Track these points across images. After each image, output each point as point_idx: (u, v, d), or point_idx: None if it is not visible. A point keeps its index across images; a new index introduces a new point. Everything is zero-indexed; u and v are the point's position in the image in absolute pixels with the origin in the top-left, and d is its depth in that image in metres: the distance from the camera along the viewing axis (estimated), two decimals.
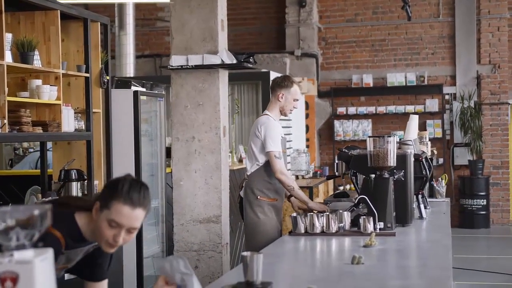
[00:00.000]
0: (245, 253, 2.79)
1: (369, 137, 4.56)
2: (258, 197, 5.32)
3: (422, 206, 5.15)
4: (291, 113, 5.57)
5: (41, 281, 1.79)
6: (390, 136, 4.52)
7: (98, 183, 6.01)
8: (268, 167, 5.28)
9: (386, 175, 4.50)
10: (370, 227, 4.26)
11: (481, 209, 12.51)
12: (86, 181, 5.76)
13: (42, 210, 1.82)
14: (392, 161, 4.49)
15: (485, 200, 12.51)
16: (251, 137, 5.39)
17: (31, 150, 9.21)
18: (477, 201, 12.50)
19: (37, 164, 7.63)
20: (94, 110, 5.91)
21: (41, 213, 1.81)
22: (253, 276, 2.77)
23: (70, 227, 2.72)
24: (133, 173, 6.47)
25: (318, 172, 11.35)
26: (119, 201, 2.61)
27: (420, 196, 5.20)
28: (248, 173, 5.42)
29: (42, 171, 5.84)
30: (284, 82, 5.42)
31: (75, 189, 5.59)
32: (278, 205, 5.43)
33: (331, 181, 11.63)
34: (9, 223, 1.79)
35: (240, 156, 8.45)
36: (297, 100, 5.46)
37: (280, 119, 5.44)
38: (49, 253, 1.83)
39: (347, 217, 4.43)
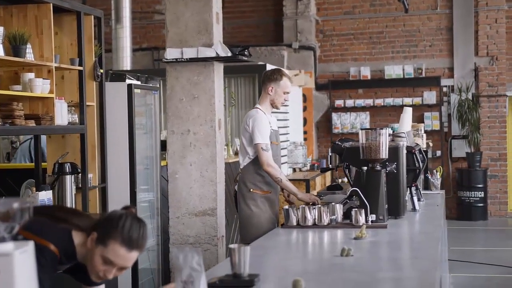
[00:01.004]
0: (232, 246, 2.80)
1: (361, 129, 4.56)
2: (251, 190, 5.35)
3: (415, 198, 5.15)
4: (283, 105, 5.59)
5: (21, 274, 1.79)
6: (382, 129, 4.52)
7: (92, 176, 6.02)
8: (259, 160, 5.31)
9: (378, 168, 4.51)
10: (361, 220, 4.27)
11: (479, 201, 12.52)
12: (80, 174, 5.76)
13: (21, 204, 1.82)
14: (384, 154, 4.49)
15: (482, 192, 12.52)
16: (242, 131, 5.44)
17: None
18: (474, 193, 12.50)
19: (30, 154, 7.64)
20: (88, 104, 5.91)
21: (20, 207, 1.82)
22: (240, 268, 2.79)
23: (66, 245, 2.69)
24: (127, 166, 6.49)
25: (316, 164, 11.35)
26: (117, 241, 2.60)
27: (413, 188, 5.20)
28: (241, 167, 5.46)
29: (36, 164, 5.84)
30: (274, 75, 5.45)
31: (69, 182, 5.59)
32: (272, 198, 5.45)
33: (328, 174, 11.64)
34: None
35: (236, 149, 8.45)
36: (287, 93, 5.47)
37: (277, 112, 5.47)
38: (29, 245, 1.84)
39: (339, 209, 4.44)
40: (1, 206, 1.81)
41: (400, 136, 5.16)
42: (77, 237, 2.72)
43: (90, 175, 5.94)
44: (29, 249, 1.84)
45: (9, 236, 1.82)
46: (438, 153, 12.82)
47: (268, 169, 5.23)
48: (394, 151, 4.64)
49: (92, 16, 6.07)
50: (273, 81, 5.42)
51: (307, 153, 11.11)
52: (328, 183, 11.46)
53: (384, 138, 4.50)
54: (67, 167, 5.59)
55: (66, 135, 5.88)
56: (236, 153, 8.42)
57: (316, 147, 13.32)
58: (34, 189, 5.61)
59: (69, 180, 5.59)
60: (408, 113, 5.62)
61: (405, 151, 4.81)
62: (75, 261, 2.76)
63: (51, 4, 5.36)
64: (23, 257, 1.80)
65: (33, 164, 6.13)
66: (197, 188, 5.82)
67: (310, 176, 9.48)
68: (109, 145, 6.31)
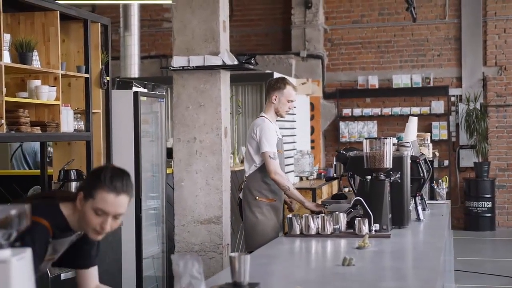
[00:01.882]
0: (232, 254, 2.80)
1: (366, 138, 4.56)
2: (257, 197, 5.37)
3: (419, 208, 5.13)
4: (288, 114, 5.63)
5: (18, 281, 1.79)
6: (386, 138, 4.52)
7: None
8: (265, 168, 5.32)
9: (382, 177, 4.50)
10: (365, 229, 4.26)
11: (487, 212, 12.47)
12: None
13: (19, 210, 1.83)
14: (388, 163, 4.48)
15: (490, 202, 12.47)
16: (248, 139, 5.48)
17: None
18: (482, 204, 12.45)
19: (25, 160, 7.70)
20: (94, 111, 5.93)
21: (18, 213, 1.83)
22: (240, 277, 2.79)
23: (56, 217, 2.78)
24: (133, 174, 6.49)
25: (323, 173, 11.35)
26: (103, 189, 2.70)
27: (418, 198, 5.19)
28: (246, 175, 5.50)
29: (42, 171, 5.85)
30: (277, 84, 5.49)
31: (75, 189, 5.60)
32: (277, 206, 5.46)
33: (335, 183, 11.62)
34: None
35: (243, 157, 8.45)
36: (292, 101, 5.50)
37: (284, 120, 5.49)
38: (27, 252, 1.84)
39: (343, 218, 4.43)
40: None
41: (404, 146, 5.15)
42: (65, 208, 2.80)
43: None
44: (27, 256, 1.84)
45: (7, 243, 1.82)
46: (446, 162, 12.79)
47: (276, 177, 5.25)
48: (398, 160, 4.64)
49: (99, 24, 6.10)
50: (277, 89, 5.47)
51: (314, 161, 11.11)
52: (335, 192, 11.45)
53: (388, 148, 4.49)
54: (73, 174, 5.61)
55: (72, 142, 5.90)
56: (242, 161, 8.43)
57: (323, 155, 13.31)
58: None
59: (74, 187, 5.60)
60: (413, 122, 5.62)
61: (409, 161, 4.80)
62: (69, 232, 2.82)
63: (58, 12, 5.39)
64: (20, 264, 1.81)
65: (38, 171, 6.15)
66: (203, 196, 5.82)
67: (316, 185, 9.47)
68: (115, 152, 6.33)
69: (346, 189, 12.32)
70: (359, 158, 4.64)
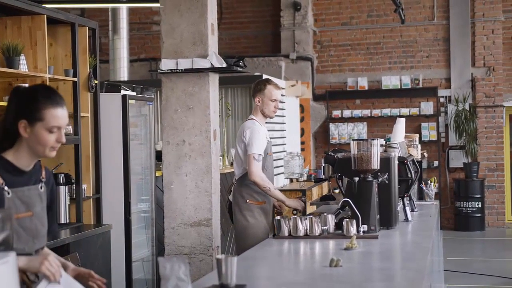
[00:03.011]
0: (219, 256, 2.81)
1: (353, 140, 4.57)
2: (247, 200, 5.39)
3: (407, 208, 5.15)
4: (276, 114, 5.65)
5: (2, 285, 1.80)
6: (373, 139, 4.53)
7: (87, 187, 6.03)
8: None
9: (370, 178, 4.51)
10: (353, 230, 4.27)
11: (476, 212, 12.52)
12: (74, 185, 5.77)
13: (3, 214, 1.83)
14: (375, 164, 4.50)
15: (480, 202, 12.52)
16: (238, 142, 5.50)
17: None
18: (472, 204, 12.50)
19: None
20: (82, 114, 5.93)
21: (2, 217, 1.83)
22: (227, 279, 2.80)
23: (1, 163, 2.76)
24: (121, 177, 6.50)
25: (313, 175, 11.36)
26: (48, 108, 2.74)
27: (406, 199, 5.20)
28: (236, 178, 5.51)
29: None
30: (258, 86, 5.58)
31: (63, 193, 5.60)
32: (267, 208, 5.47)
33: (325, 184, 11.64)
34: None
35: (232, 160, 8.45)
36: (275, 100, 5.54)
37: (274, 122, 5.52)
38: (11, 257, 1.85)
39: (331, 220, 4.43)
40: None
41: (392, 147, 5.17)
42: (7, 155, 2.78)
43: (84, 186, 5.95)
44: (11, 260, 1.85)
45: None
46: (436, 163, 12.83)
47: (256, 179, 5.29)
48: (386, 161, 4.65)
49: (87, 28, 6.10)
50: (258, 91, 5.55)
51: (305, 163, 11.13)
52: (325, 194, 11.47)
53: (376, 149, 4.50)
54: (61, 178, 5.60)
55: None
56: (232, 164, 8.43)
57: (313, 157, 13.33)
58: None
59: (63, 190, 5.60)
60: (401, 123, 5.64)
61: (397, 162, 4.82)
62: (22, 175, 2.80)
63: (45, 16, 5.39)
64: (4, 268, 1.81)
65: None
66: (192, 199, 5.82)
67: (306, 187, 9.48)
68: (104, 155, 6.33)
69: (337, 191, 12.37)
70: (347, 160, 4.65)
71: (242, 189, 5.43)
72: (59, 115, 2.77)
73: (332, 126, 13.23)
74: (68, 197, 5.68)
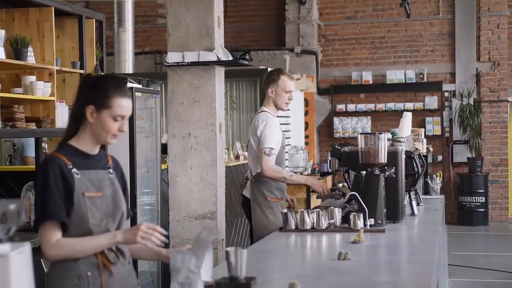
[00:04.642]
0: (228, 249, 2.81)
1: (360, 133, 4.57)
2: (268, 198, 5.26)
3: (414, 203, 5.15)
4: (287, 105, 5.47)
5: (17, 275, 1.81)
6: (381, 133, 4.53)
7: None
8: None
9: (377, 172, 4.51)
10: (360, 224, 4.28)
11: (480, 207, 12.52)
12: None
13: (18, 205, 1.84)
14: (383, 158, 4.50)
15: (483, 197, 12.53)
16: (251, 136, 5.34)
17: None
18: (475, 199, 12.51)
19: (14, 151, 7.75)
20: None
21: (17, 208, 1.84)
22: (237, 271, 2.80)
23: (66, 149, 2.90)
24: (127, 169, 6.50)
25: (317, 169, 11.36)
26: (117, 97, 2.86)
27: (412, 193, 5.20)
28: (254, 173, 5.33)
29: (37, 167, 5.85)
30: (271, 76, 5.41)
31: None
32: (283, 204, 5.42)
33: (329, 178, 11.64)
34: None
35: (237, 153, 8.47)
36: (289, 91, 5.38)
37: (278, 116, 5.47)
38: (26, 247, 1.86)
39: (338, 213, 4.44)
40: None
41: (399, 141, 5.17)
42: (73, 141, 2.92)
43: None
44: (26, 250, 1.86)
45: (6, 238, 1.84)
46: (439, 158, 12.83)
47: (269, 174, 5.16)
48: (393, 155, 4.65)
49: (94, 20, 6.10)
50: (271, 82, 5.38)
51: (309, 157, 11.13)
52: (329, 187, 11.46)
53: (383, 143, 4.50)
54: None
55: None
56: (237, 157, 8.44)
57: (317, 151, 13.34)
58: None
59: None
60: (407, 117, 5.64)
61: (404, 156, 4.82)
62: (89, 158, 2.92)
63: (53, 8, 5.39)
64: (19, 258, 1.82)
65: (33, 167, 6.14)
66: (198, 192, 5.82)
67: None
68: (110, 148, 6.31)
69: (340, 184, 12.37)
70: (354, 153, 4.65)
71: (261, 186, 5.28)
72: (125, 105, 2.88)
73: (336, 120, 13.23)
74: None
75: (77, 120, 2.92)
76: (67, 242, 2.83)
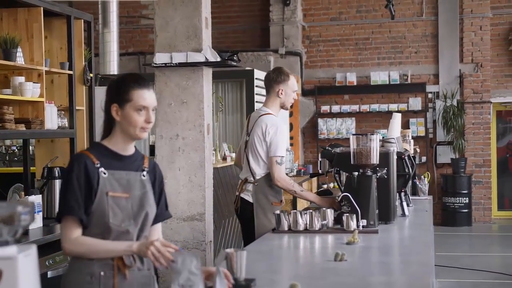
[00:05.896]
0: (229, 250, 2.80)
1: (353, 135, 4.57)
2: (272, 203, 5.13)
3: (404, 203, 5.17)
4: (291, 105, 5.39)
5: (25, 277, 1.78)
6: (373, 134, 4.54)
7: None
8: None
9: (369, 173, 4.52)
10: (353, 225, 4.28)
11: (463, 207, 12.60)
12: None
13: (24, 207, 1.82)
14: (375, 159, 4.51)
15: (467, 198, 12.60)
16: (256, 139, 5.12)
17: (14, 148, 9.18)
18: (459, 199, 12.58)
19: None
20: (77, 108, 5.89)
21: (24, 210, 1.81)
22: (237, 272, 2.79)
23: (97, 148, 2.96)
24: None
25: (302, 170, 11.38)
26: (136, 89, 2.93)
27: (402, 194, 5.22)
28: (257, 177, 5.14)
29: (25, 168, 5.80)
30: (281, 76, 5.20)
31: (58, 186, 5.56)
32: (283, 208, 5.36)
33: (314, 179, 11.67)
34: None
35: (224, 154, 8.45)
36: (295, 91, 5.28)
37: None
38: (33, 249, 1.83)
39: (330, 214, 4.44)
40: (4, 209, 1.80)
41: (390, 142, 5.18)
42: (105, 141, 2.97)
43: None
44: (33, 253, 1.83)
45: (13, 240, 1.81)
46: (423, 159, 12.90)
47: (281, 183, 5.01)
48: (385, 156, 4.66)
49: (82, 20, 6.05)
50: (282, 82, 5.19)
51: (294, 158, 11.14)
52: (314, 188, 11.50)
53: (375, 144, 4.51)
54: (57, 172, 5.56)
55: (55, 139, 5.86)
56: (224, 158, 8.43)
57: (302, 152, 13.35)
58: (22, 193, 5.57)
59: (58, 184, 5.56)
60: (397, 119, 5.65)
61: (395, 157, 4.83)
62: (120, 159, 2.95)
63: (42, 8, 5.34)
64: (26, 261, 1.80)
65: (20, 168, 6.09)
66: (186, 193, 5.81)
67: (297, 182, 9.48)
68: None
69: (325, 186, 12.40)
70: (346, 154, 4.65)
71: (265, 190, 5.11)
72: (146, 96, 2.93)
73: (320, 122, 13.25)
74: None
75: (107, 122, 2.98)
76: (86, 241, 2.87)
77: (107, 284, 2.88)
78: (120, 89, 2.95)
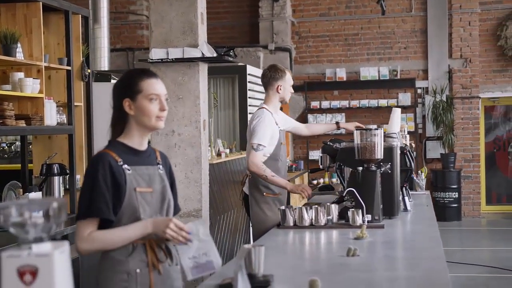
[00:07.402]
0: (247, 246, 2.78)
1: (357, 129, 4.56)
2: (264, 193, 5.27)
3: (406, 198, 5.18)
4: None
5: (60, 274, 1.77)
6: (377, 129, 4.54)
7: (80, 178, 5.94)
8: (270, 162, 5.23)
9: (373, 168, 4.52)
10: (359, 220, 4.28)
11: (453, 202, 12.66)
12: (68, 176, 5.69)
13: (59, 203, 1.79)
14: (379, 154, 4.50)
15: (456, 193, 12.66)
16: (248, 132, 5.34)
17: (4, 145, 9.10)
18: (449, 194, 12.64)
19: None
20: (75, 104, 5.85)
21: (58, 206, 1.79)
22: (255, 268, 2.78)
23: (116, 146, 2.94)
24: None
25: (293, 166, 11.39)
26: (144, 79, 2.92)
27: (404, 188, 5.23)
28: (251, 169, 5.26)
29: (23, 165, 5.75)
30: (278, 73, 5.41)
31: (57, 183, 5.52)
32: (282, 199, 5.39)
33: (305, 175, 11.68)
34: (26, 216, 1.77)
35: (219, 150, 8.43)
36: (292, 84, 5.54)
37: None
38: (66, 246, 1.81)
39: (334, 210, 4.44)
40: (39, 206, 1.78)
41: (391, 137, 5.18)
42: (121, 138, 2.95)
43: (78, 176, 5.87)
44: (66, 249, 1.81)
45: (47, 236, 1.79)
46: (413, 154, 12.91)
47: (253, 169, 5.15)
48: (388, 151, 4.66)
49: (80, 16, 6.00)
50: (280, 79, 5.41)
51: (285, 154, 11.12)
52: (307, 183, 11.49)
53: (379, 139, 4.51)
54: (55, 168, 5.52)
55: (53, 135, 5.81)
56: (218, 154, 8.40)
57: (291, 148, 13.35)
58: (20, 190, 5.51)
59: (57, 181, 5.52)
60: (397, 113, 5.65)
61: (399, 151, 4.84)
62: (138, 154, 2.95)
63: (41, 3, 5.29)
64: (61, 257, 1.78)
65: (17, 165, 6.04)
66: (182, 189, 5.79)
67: (288, 178, 9.48)
68: (96, 145, 6.24)
69: (315, 182, 12.40)
70: (349, 149, 4.65)
71: (258, 182, 5.26)
72: (155, 84, 2.92)
73: (310, 117, 13.25)
74: (62, 188, 5.60)
75: (120, 119, 2.96)
76: (99, 236, 2.84)
77: (143, 282, 2.86)
78: (129, 83, 2.94)
